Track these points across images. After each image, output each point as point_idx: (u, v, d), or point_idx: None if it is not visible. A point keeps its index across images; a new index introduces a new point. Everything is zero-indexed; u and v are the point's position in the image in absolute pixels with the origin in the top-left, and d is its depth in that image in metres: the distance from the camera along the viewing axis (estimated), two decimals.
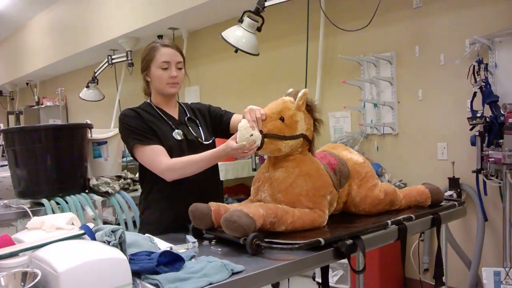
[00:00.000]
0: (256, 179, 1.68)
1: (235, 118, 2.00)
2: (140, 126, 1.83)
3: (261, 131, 1.54)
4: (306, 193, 1.57)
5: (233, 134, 1.64)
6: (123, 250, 1.17)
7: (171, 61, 1.87)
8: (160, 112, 1.92)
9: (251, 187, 1.71)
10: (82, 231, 1.27)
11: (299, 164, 1.60)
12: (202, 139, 1.93)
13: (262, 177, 1.65)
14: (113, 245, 1.16)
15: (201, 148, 1.88)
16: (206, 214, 1.54)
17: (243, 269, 1.25)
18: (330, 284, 2.03)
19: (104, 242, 1.18)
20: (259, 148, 1.55)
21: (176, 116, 1.97)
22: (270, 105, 1.61)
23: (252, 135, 1.52)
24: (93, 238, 1.23)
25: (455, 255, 3.09)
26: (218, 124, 2.03)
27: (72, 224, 1.37)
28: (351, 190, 1.75)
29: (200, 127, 1.98)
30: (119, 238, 1.16)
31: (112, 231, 1.17)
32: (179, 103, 2.04)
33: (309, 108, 1.64)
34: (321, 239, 1.39)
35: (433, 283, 3.23)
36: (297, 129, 1.58)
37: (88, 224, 1.30)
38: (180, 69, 1.90)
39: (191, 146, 1.89)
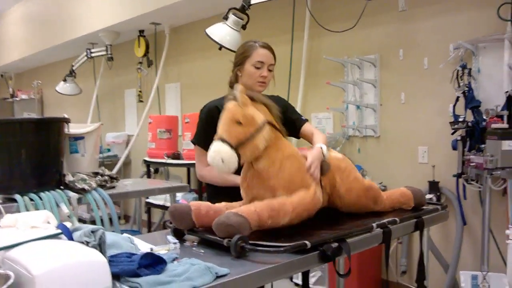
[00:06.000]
0: (243, 179, 1.66)
1: (305, 128, 2.09)
2: (209, 131, 1.78)
3: (232, 147, 1.50)
4: (297, 172, 1.58)
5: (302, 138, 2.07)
6: (102, 251, 1.11)
7: (265, 62, 2.03)
8: None
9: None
10: (59, 231, 1.21)
11: (280, 149, 1.60)
12: None
13: (248, 175, 1.63)
14: (92, 246, 1.10)
15: None
16: (186, 213, 1.52)
17: (228, 273, 1.21)
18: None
19: (83, 242, 1.12)
20: (239, 163, 1.50)
21: None
22: (223, 121, 1.57)
23: (222, 160, 1.49)
24: (70, 238, 1.17)
25: (433, 258, 3.11)
26: (290, 127, 1.97)
27: (48, 222, 1.30)
28: (335, 182, 1.75)
29: None
30: (99, 239, 1.11)
31: (92, 232, 1.11)
32: None
33: (253, 99, 1.62)
34: (307, 242, 1.37)
35: (411, 286, 3.26)
36: (257, 121, 1.57)
37: (64, 223, 1.25)
38: (270, 71, 2.06)
39: None
